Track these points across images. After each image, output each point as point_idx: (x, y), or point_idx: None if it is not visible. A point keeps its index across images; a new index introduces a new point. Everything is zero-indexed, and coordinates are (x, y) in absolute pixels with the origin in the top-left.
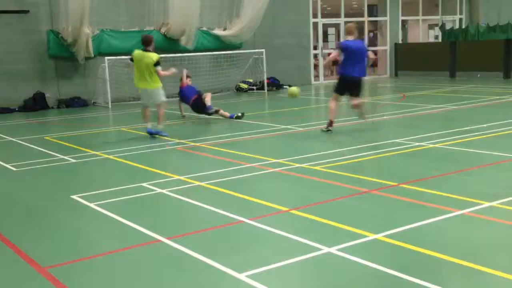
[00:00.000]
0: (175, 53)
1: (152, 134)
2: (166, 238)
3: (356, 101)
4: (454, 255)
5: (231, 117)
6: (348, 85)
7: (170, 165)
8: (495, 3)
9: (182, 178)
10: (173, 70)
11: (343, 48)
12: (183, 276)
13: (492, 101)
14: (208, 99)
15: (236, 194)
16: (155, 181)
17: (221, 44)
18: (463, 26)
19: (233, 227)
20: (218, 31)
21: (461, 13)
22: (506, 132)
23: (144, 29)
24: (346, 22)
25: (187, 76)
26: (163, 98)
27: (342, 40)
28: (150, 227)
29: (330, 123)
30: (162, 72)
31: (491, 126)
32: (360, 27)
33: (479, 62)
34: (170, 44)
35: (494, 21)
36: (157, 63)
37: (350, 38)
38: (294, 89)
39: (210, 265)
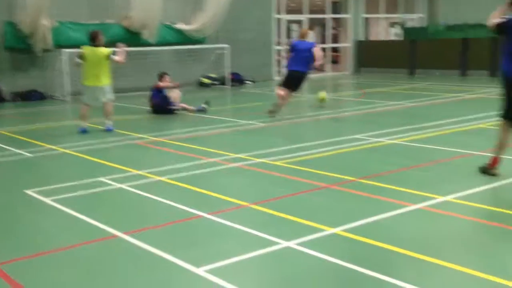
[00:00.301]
0: (136, 46)
1: (86, 132)
2: (123, 233)
3: (284, 92)
4: (409, 248)
5: (198, 109)
6: (292, 79)
7: (130, 159)
8: (453, 3)
9: (141, 172)
10: (122, 48)
11: (291, 47)
12: (140, 271)
13: (449, 98)
14: (175, 96)
15: (196, 189)
16: (114, 176)
17: (184, 38)
18: (424, 25)
19: (192, 222)
20: (181, 25)
21: (421, 12)
22: (462, 129)
23: (105, 22)
24: (310, 19)
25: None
26: (112, 95)
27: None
28: (107, 222)
29: (277, 107)
30: (118, 58)
31: (448, 122)
32: (322, 24)
33: (438, 61)
34: (132, 37)
35: (453, 21)
36: (110, 54)
37: (305, 39)
38: (323, 94)
39: (169, 260)
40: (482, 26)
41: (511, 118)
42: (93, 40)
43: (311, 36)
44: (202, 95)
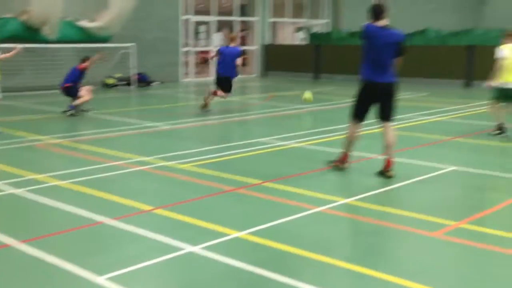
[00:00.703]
0: (35, 43)
1: None
2: (17, 241)
3: (222, 93)
4: (310, 250)
5: (70, 107)
6: (220, 82)
7: (26, 163)
8: (357, 10)
9: (37, 177)
10: (17, 49)
11: (219, 52)
12: (36, 282)
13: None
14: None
15: (97, 194)
16: (7, 181)
17: (87, 36)
18: (328, 30)
19: (93, 228)
20: (84, 23)
21: (326, 18)
22: (365, 132)
23: (2, 17)
24: (218, 21)
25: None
26: None
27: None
28: (2, 231)
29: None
30: (2, 56)
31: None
32: (230, 26)
33: (342, 66)
34: (30, 33)
35: (356, 27)
36: None
37: (232, 44)
38: (308, 95)
39: (67, 270)
40: None
41: (361, 119)
42: None
43: (220, 38)
44: (104, 96)
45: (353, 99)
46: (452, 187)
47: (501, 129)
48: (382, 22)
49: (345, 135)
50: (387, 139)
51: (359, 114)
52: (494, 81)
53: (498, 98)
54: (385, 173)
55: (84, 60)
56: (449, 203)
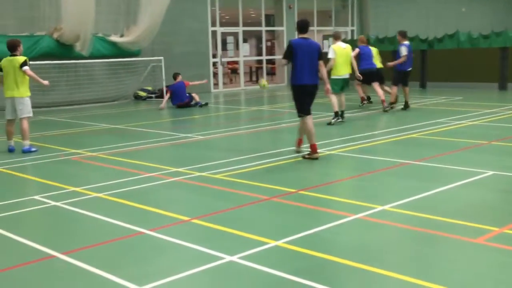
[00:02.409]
0: (69, 59)
1: (25, 152)
2: (61, 253)
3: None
4: (350, 258)
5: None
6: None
7: (65, 176)
8: (383, 17)
9: (77, 189)
10: (46, 82)
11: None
12: None
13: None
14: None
15: (135, 205)
16: (49, 194)
17: (118, 51)
18: (355, 37)
19: (133, 239)
20: (114, 38)
21: (352, 25)
22: (395, 139)
23: (35, 34)
24: (244, 31)
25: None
26: (30, 111)
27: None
28: (43, 242)
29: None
30: (30, 72)
31: (383, 133)
32: (257, 37)
33: None
34: (63, 50)
35: (383, 33)
36: (23, 64)
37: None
38: (264, 82)
39: (110, 280)
40: (411, 38)
41: (308, 112)
42: (12, 49)
43: (247, 48)
44: (136, 108)
45: (294, 101)
46: (492, 192)
47: None
48: (305, 35)
49: (304, 130)
50: (310, 128)
51: (305, 108)
52: None
53: None
54: (312, 155)
55: (175, 77)
56: (490, 209)
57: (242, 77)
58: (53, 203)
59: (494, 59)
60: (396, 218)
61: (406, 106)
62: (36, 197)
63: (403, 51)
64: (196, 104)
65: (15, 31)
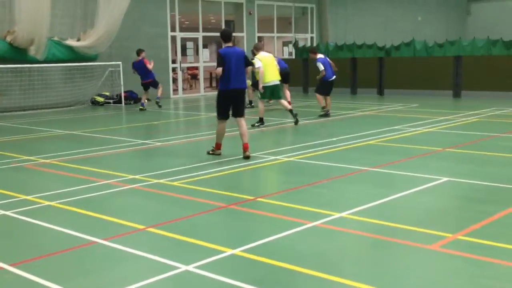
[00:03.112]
0: (23, 63)
1: None
2: (8, 264)
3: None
4: (308, 266)
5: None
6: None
7: (16, 184)
8: (342, 24)
9: (29, 198)
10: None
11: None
12: None
13: (340, 116)
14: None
15: (89, 213)
16: None
17: (75, 55)
18: (314, 44)
19: (86, 249)
20: (71, 42)
21: (312, 32)
22: (353, 146)
23: None
24: (204, 37)
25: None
26: None
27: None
28: None
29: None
30: None
31: (340, 139)
32: (217, 42)
33: None
34: (17, 53)
35: (341, 40)
36: None
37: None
38: None
39: None
40: (369, 46)
41: (226, 117)
42: None
43: (207, 54)
44: (93, 114)
45: (216, 104)
46: (447, 198)
47: None
48: (230, 44)
49: (216, 131)
50: (242, 130)
51: (224, 113)
52: None
53: None
54: (215, 151)
55: (138, 53)
56: (445, 215)
57: (202, 83)
58: (2, 212)
59: (448, 67)
60: (354, 225)
61: (326, 115)
62: None
63: (320, 66)
64: (157, 99)
65: None
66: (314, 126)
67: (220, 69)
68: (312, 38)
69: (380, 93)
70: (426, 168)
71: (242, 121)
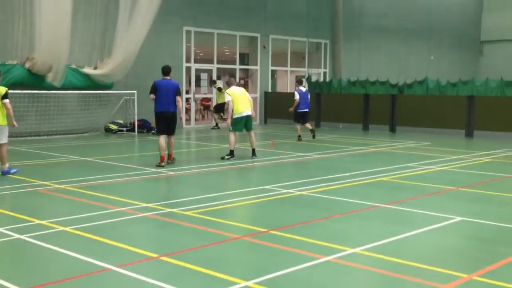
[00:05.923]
0: (40, 89)
1: (4, 174)
2: None
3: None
4: None
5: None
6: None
7: (30, 208)
8: (355, 61)
9: (43, 222)
10: (16, 125)
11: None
12: None
13: (353, 151)
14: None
15: (102, 240)
16: (13, 226)
17: (91, 83)
18: (327, 79)
19: (98, 276)
20: (88, 70)
21: (325, 67)
22: (366, 181)
23: (6, 63)
24: (218, 69)
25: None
26: (6, 138)
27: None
28: (6, 277)
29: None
30: (9, 106)
31: (353, 175)
32: (231, 74)
33: (341, 114)
34: (35, 79)
35: (355, 76)
36: (4, 96)
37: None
38: None
39: None
40: (382, 83)
41: (164, 132)
42: None
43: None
44: (107, 142)
45: (156, 123)
46: (461, 238)
47: None
48: (167, 77)
49: (159, 145)
50: (170, 144)
51: (162, 130)
52: None
53: None
54: (160, 164)
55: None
56: (459, 255)
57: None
58: (17, 236)
59: (461, 106)
60: (366, 261)
61: (299, 140)
62: (0, 229)
63: (296, 95)
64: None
65: None
66: (327, 160)
67: (152, 96)
68: (325, 73)
69: (392, 130)
70: (439, 206)
71: (171, 138)
